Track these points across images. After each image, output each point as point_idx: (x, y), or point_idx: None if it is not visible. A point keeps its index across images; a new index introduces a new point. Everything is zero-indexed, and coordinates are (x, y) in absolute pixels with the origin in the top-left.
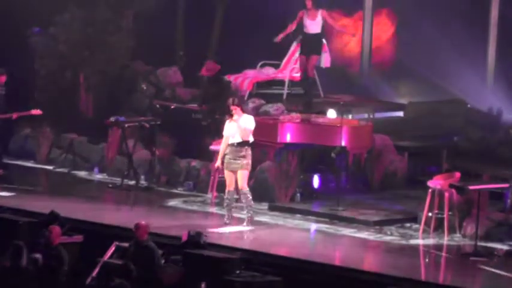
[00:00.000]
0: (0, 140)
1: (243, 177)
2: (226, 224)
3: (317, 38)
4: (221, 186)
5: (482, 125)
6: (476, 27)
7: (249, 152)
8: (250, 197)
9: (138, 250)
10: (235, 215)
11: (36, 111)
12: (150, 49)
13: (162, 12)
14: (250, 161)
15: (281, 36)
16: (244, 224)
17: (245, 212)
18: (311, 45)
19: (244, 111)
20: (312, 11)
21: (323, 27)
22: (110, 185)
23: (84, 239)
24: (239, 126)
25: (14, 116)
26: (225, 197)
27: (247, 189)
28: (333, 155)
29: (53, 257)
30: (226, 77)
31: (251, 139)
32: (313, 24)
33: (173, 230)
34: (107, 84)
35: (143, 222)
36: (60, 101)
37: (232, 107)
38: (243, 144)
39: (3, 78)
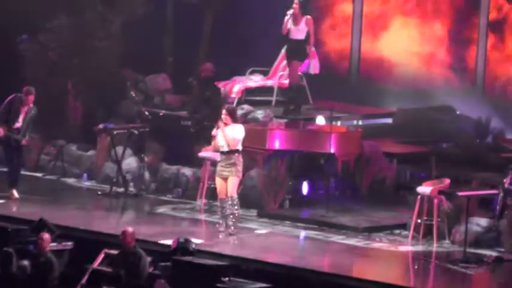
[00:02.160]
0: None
1: (233, 184)
2: (220, 232)
3: (300, 44)
4: (210, 193)
5: (472, 132)
6: (465, 34)
7: (240, 159)
8: (238, 205)
9: (126, 257)
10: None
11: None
12: (139, 56)
13: (151, 19)
14: (240, 168)
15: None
16: (230, 231)
17: (231, 219)
18: (293, 51)
19: (235, 120)
20: (298, 16)
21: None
22: (99, 192)
23: (74, 246)
24: (225, 135)
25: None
26: (219, 204)
27: (236, 196)
28: (321, 161)
29: (42, 264)
30: (216, 84)
31: (239, 147)
32: (296, 31)
33: (162, 237)
34: (96, 91)
35: (129, 229)
36: (49, 108)
37: (223, 113)
38: (233, 152)
39: (31, 98)
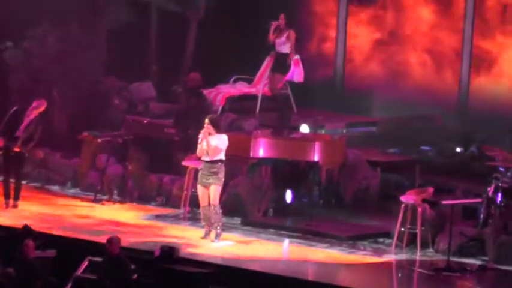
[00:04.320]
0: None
1: (215, 192)
2: (204, 239)
3: (284, 57)
4: (194, 201)
5: (455, 140)
6: (449, 43)
7: (222, 168)
8: (220, 213)
9: (111, 264)
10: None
11: None
12: (124, 64)
13: (136, 27)
14: (222, 177)
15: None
16: (214, 239)
17: (214, 227)
18: (279, 63)
19: (219, 130)
20: (282, 29)
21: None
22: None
23: (57, 254)
24: (208, 145)
25: None
26: (201, 212)
27: (218, 205)
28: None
29: (26, 271)
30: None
31: (222, 157)
32: (280, 44)
33: (146, 245)
34: (80, 99)
35: (115, 237)
36: None
37: (206, 123)
38: (215, 161)
39: (36, 106)
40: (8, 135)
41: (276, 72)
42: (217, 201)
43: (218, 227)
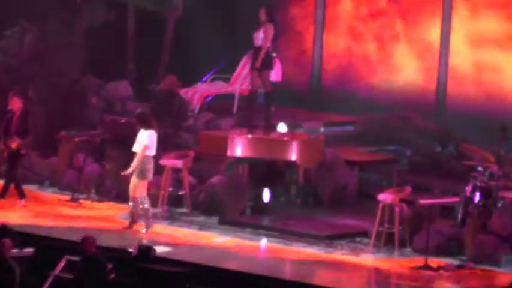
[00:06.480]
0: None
1: (132, 184)
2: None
3: (265, 52)
4: (171, 200)
5: (433, 139)
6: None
7: (140, 161)
8: (143, 204)
9: (87, 264)
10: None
11: None
12: (101, 63)
13: (113, 26)
14: (143, 170)
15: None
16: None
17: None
18: (261, 63)
19: (143, 125)
20: (262, 23)
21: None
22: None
23: (35, 253)
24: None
25: None
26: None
27: (138, 196)
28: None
29: (3, 270)
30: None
31: (145, 152)
32: (257, 38)
33: (123, 243)
34: (57, 98)
35: (89, 236)
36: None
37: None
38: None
39: (13, 103)
40: (8, 139)
41: (263, 70)
42: (137, 194)
43: (145, 217)
